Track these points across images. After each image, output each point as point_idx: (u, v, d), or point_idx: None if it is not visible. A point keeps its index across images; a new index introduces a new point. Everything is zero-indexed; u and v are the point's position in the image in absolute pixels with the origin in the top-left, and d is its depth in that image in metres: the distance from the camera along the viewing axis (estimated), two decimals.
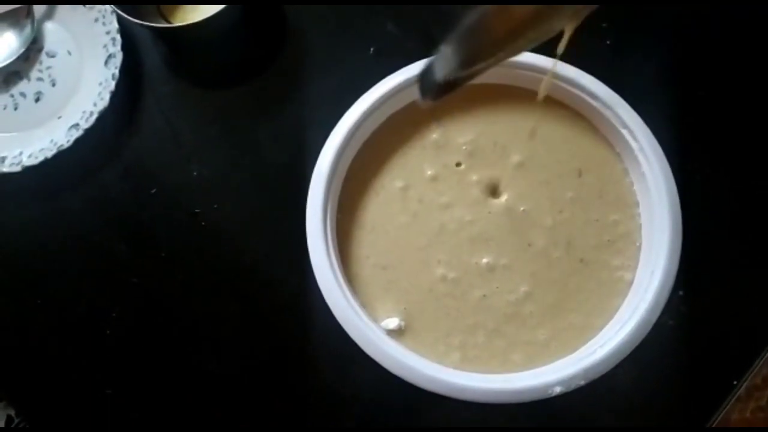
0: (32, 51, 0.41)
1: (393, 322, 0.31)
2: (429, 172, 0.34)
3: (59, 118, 0.40)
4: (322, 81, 0.39)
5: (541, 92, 0.28)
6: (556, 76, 0.33)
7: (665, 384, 0.34)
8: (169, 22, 0.40)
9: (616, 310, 0.32)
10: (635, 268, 0.32)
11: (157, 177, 0.39)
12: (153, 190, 0.38)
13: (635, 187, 0.33)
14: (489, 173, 0.33)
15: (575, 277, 0.32)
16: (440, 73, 0.21)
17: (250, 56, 0.41)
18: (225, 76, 0.40)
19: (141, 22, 0.36)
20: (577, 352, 0.31)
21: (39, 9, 0.41)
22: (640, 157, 0.32)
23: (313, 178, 0.32)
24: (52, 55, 0.41)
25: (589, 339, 0.31)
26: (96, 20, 0.40)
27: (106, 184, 0.39)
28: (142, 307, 0.37)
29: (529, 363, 0.31)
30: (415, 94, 0.24)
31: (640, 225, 0.33)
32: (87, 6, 0.40)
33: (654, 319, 0.30)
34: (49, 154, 0.37)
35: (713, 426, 0.34)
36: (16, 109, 0.40)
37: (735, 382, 0.34)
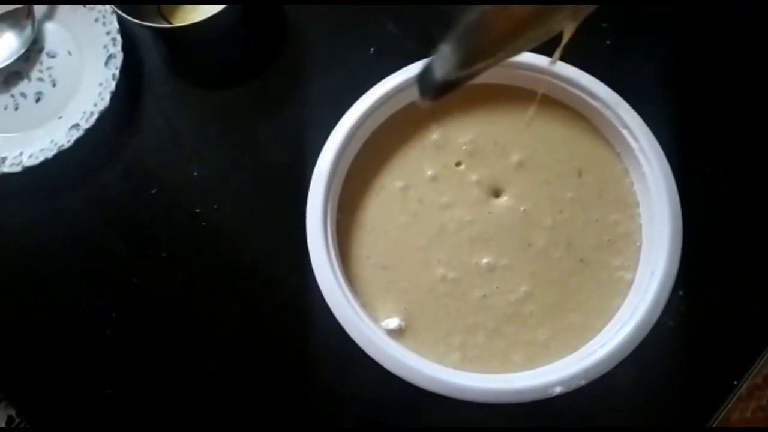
0: (33, 51, 0.41)
1: (393, 322, 0.31)
2: (429, 172, 0.34)
3: (60, 118, 0.40)
4: (322, 81, 0.39)
5: (554, 59, 0.27)
6: (556, 75, 0.33)
7: (666, 384, 0.34)
8: (170, 23, 0.40)
9: (617, 310, 0.32)
10: (635, 268, 0.32)
11: (157, 177, 0.39)
12: (153, 190, 0.38)
13: (635, 187, 0.33)
14: (489, 173, 0.33)
15: (575, 277, 0.32)
16: (439, 73, 0.21)
17: (250, 56, 0.41)
18: (225, 76, 0.40)
19: (141, 22, 0.36)
20: (578, 352, 0.31)
21: (39, 9, 0.41)
22: (641, 157, 0.32)
23: (314, 178, 0.32)
24: (52, 56, 0.41)
25: (590, 339, 0.31)
26: (96, 20, 0.40)
27: (107, 184, 0.39)
28: (142, 307, 0.37)
29: (529, 363, 0.31)
30: (415, 94, 0.24)
31: (640, 225, 0.33)
32: (87, 6, 0.40)
33: (654, 319, 0.30)
34: (50, 154, 0.37)
35: (714, 426, 0.34)
36: (16, 109, 0.40)
37: (735, 382, 0.34)
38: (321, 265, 0.31)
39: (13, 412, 0.37)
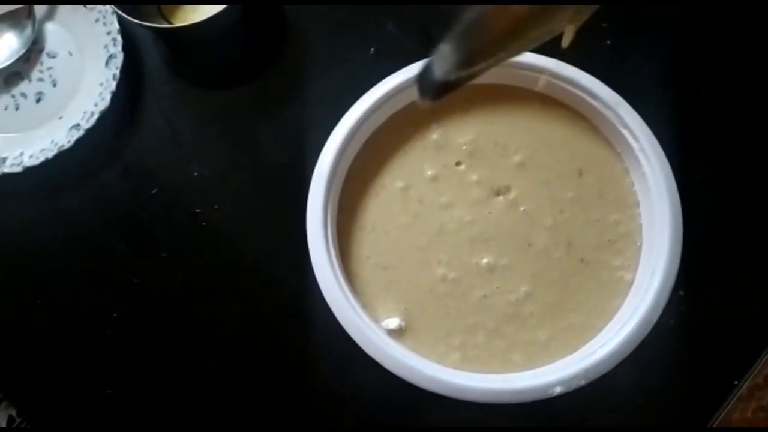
0: (33, 52, 0.41)
1: (393, 322, 0.31)
2: (429, 172, 0.34)
3: (60, 118, 0.40)
4: (323, 81, 0.39)
5: (566, 40, 0.26)
6: (557, 75, 0.33)
7: (666, 384, 0.34)
8: (170, 23, 0.40)
9: (617, 310, 0.32)
10: (636, 268, 0.32)
11: (157, 177, 0.39)
12: (153, 191, 0.38)
13: (636, 187, 0.33)
14: (489, 173, 0.33)
15: (576, 277, 0.32)
16: (439, 72, 0.21)
17: (250, 56, 0.41)
18: (225, 76, 0.40)
19: (141, 22, 0.36)
20: (578, 352, 0.31)
21: (40, 10, 0.41)
22: (641, 157, 0.32)
23: (314, 179, 0.32)
24: (53, 56, 0.41)
25: (590, 339, 0.31)
26: (97, 21, 0.40)
27: (107, 184, 0.39)
28: (143, 307, 0.37)
29: (530, 363, 0.31)
30: (415, 94, 0.24)
31: (641, 225, 0.33)
32: (88, 7, 0.40)
33: (654, 319, 0.30)
34: (50, 154, 0.37)
35: (714, 426, 0.34)
36: (17, 109, 0.40)
37: (736, 382, 0.34)
38: (321, 265, 0.31)
39: (13, 412, 0.37)
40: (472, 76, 0.22)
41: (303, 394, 0.35)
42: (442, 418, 0.34)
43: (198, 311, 0.37)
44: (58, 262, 0.38)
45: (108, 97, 0.38)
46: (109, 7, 0.39)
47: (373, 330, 0.30)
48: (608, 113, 0.33)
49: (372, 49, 0.40)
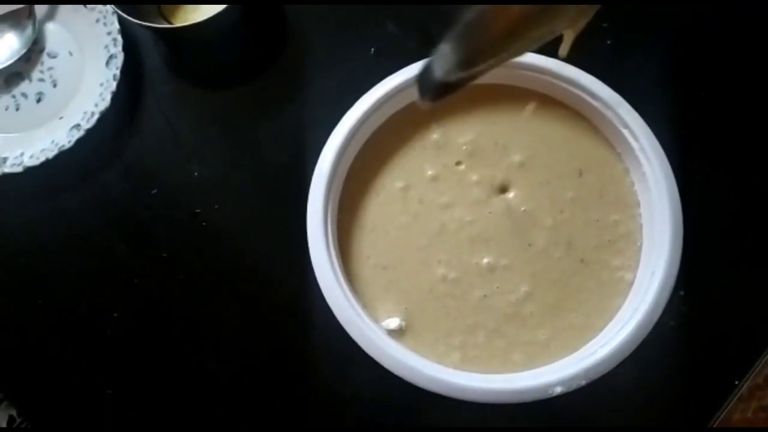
0: (34, 52, 0.41)
1: (393, 322, 0.31)
2: (429, 172, 0.34)
3: (60, 118, 0.40)
4: (323, 81, 0.39)
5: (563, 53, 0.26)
6: (557, 75, 0.33)
7: (666, 384, 0.34)
8: (170, 23, 0.40)
9: (617, 310, 0.32)
10: (636, 268, 0.32)
11: (157, 177, 0.39)
12: (154, 191, 0.38)
13: (636, 187, 0.33)
14: (489, 173, 0.33)
15: (576, 277, 0.32)
16: (439, 72, 0.21)
17: (250, 56, 0.41)
18: (225, 76, 0.41)
19: (142, 22, 0.36)
20: (578, 352, 0.31)
21: (40, 10, 0.41)
22: (641, 157, 0.32)
23: (314, 179, 0.32)
24: (53, 56, 0.41)
25: (590, 339, 0.31)
26: (97, 21, 0.40)
27: (107, 184, 0.39)
28: (143, 307, 0.37)
29: (530, 363, 0.31)
30: (415, 94, 0.23)
31: (641, 225, 0.33)
32: (88, 7, 0.40)
33: (655, 319, 0.30)
34: (51, 154, 0.37)
35: (714, 426, 0.34)
36: (17, 109, 0.40)
37: (736, 382, 0.34)
38: (321, 265, 0.31)
39: (14, 412, 0.37)
40: (473, 77, 0.22)
41: (303, 394, 0.35)
42: (442, 418, 0.34)
43: (198, 311, 0.37)
44: (58, 262, 0.38)
45: (108, 97, 0.38)
46: (109, 8, 0.39)
47: (373, 330, 0.30)
48: (608, 113, 0.33)
49: (372, 49, 0.40)
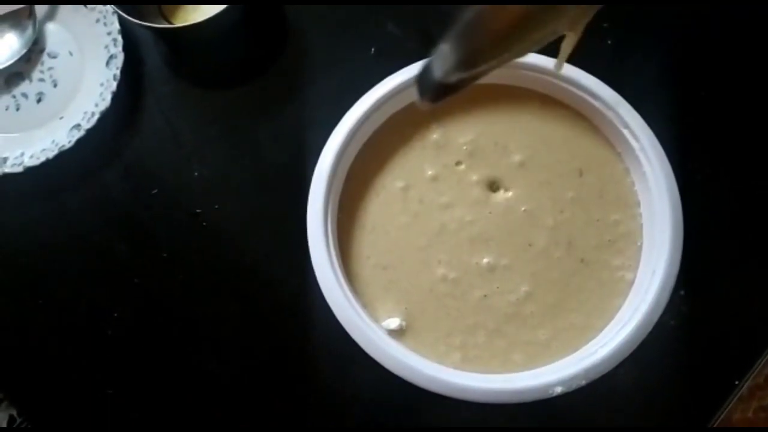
0: (34, 52, 0.41)
1: (394, 322, 0.31)
2: (429, 172, 0.34)
3: (61, 118, 0.40)
4: (323, 81, 0.39)
5: (558, 65, 0.26)
6: (557, 76, 0.33)
7: (666, 384, 0.34)
8: (170, 23, 0.40)
9: (617, 310, 0.32)
10: (636, 267, 0.32)
11: (157, 177, 0.39)
12: (154, 191, 0.38)
13: (636, 187, 0.33)
14: (489, 173, 0.33)
15: (576, 277, 0.32)
16: (438, 72, 0.21)
17: (250, 56, 0.41)
18: (225, 76, 0.41)
19: (142, 22, 0.36)
20: (578, 352, 0.31)
21: (40, 10, 0.41)
22: (641, 157, 0.32)
23: (314, 179, 0.32)
24: (53, 56, 0.41)
25: (590, 339, 0.31)
26: (97, 21, 0.40)
27: (107, 184, 0.39)
28: (143, 307, 0.37)
29: (530, 363, 0.31)
30: (415, 94, 0.23)
31: (641, 225, 0.33)
32: (88, 7, 0.40)
33: (655, 319, 0.30)
34: (51, 154, 0.37)
35: (715, 426, 0.34)
36: (18, 109, 0.40)
37: (737, 382, 0.34)
38: (321, 265, 0.31)
39: (14, 412, 0.37)
40: (473, 78, 0.21)
41: (303, 394, 0.35)
42: (442, 418, 0.34)
43: (198, 311, 0.37)
44: (58, 262, 0.38)
45: (108, 97, 0.38)
46: (109, 8, 0.39)
47: (373, 330, 0.30)
48: (609, 113, 0.33)
49: (372, 49, 0.40)
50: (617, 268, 0.32)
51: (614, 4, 0.39)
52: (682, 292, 0.34)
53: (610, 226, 0.33)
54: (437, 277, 0.32)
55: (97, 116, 0.37)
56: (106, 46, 0.39)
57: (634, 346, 0.29)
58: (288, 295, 0.36)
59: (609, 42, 0.39)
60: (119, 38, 0.39)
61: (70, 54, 0.41)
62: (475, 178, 0.33)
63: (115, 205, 0.38)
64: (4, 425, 0.36)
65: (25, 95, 0.41)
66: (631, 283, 0.32)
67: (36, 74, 0.41)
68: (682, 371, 0.34)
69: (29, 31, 0.40)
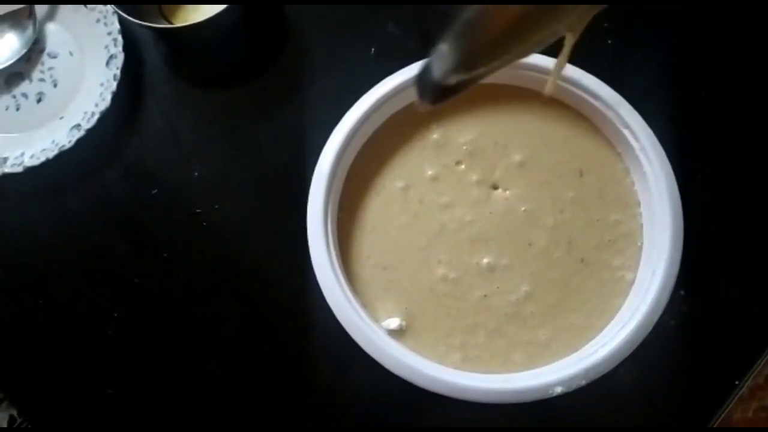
0: (34, 52, 0.41)
1: (394, 322, 0.31)
2: (429, 172, 0.34)
3: (61, 118, 0.40)
4: (323, 81, 0.39)
5: (548, 89, 0.27)
6: (559, 77, 0.33)
7: (667, 384, 0.34)
8: (170, 23, 0.40)
9: (617, 310, 0.32)
10: (636, 267, 0.32)
11: (157, 177, 0.39)
12: (154, 191, 0.38)
13: (636, 187, 0.33)
14: (489, 173, 0.33)
15: (576, 277, 0.32)
16: (437, 73, 0.21)
17: (250, 56, 0.41)
18: (225, 76, 0.41)
19: (142, 22, 0.36)
20: (578, 352, 0.31)
21: (41, 10, 0.41)
22: (642, 157, 0.32)
23: (314, 179, 0.32)
24: (53, 56, 0.41)
25: (590, 339, 0.31)
26: (97, 21, 0.40)
27: (107, 184, 0.39)
28: (143, 307, 0.37)
29: (530, 363, 0.31)
30: (415, 95, 0.23)
31: (641, 225, 0.33)
32: (88, 7, 0.40)
33: (655, 319, 0.30)
34: (51, 154, 0.37)
35: (715, 426, 0.34)
36: (18, 109, 0.40)
37: (737, 382, 0.34)
38: (321, 265, 0.31)
39: (14, 412, 0.37)
40: (473, 81, 0.21)
41: (303, 394, 0.35)
42: (442, 418, 0.34)
43: (198, 311, 0.37)
44: (58, 262, 0.38)
45: (108, 97, 0.38)
46: (109, 8, 0.39)
47: (373, 330, 0.30)
48: (609, 113, 0.33)
49: (372, 49, 0.40)
50: (617, 268, 0.32)
51: (614, 4, 0.39)
52: (682, 292, 0.34)
53: (610, 226, 0.33)
54: (437, 277, 0.32)
55: (97, 116, 0.37)
56: (106, 46, 0.39)
57: (634, 346, 0.29)
58: (288, 295, 0.36)
59: (609, 42, 0.39)
60: (119, 38, 0.39)
61: (70, 54, 0.41)
62: (475, 178, 0.33)
63: (115, 205, 0.38)
64: (4, 425, 0.36)
65: (25, 95, 0.41)
66: (631, 283, 0.32)
67: (36, 74, 0.41)
68: (682, 371, 0.34)
69: (29, 31, 0.40)
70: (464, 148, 0.34)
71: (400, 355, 0.30)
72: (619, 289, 0.32)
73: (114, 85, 0.38)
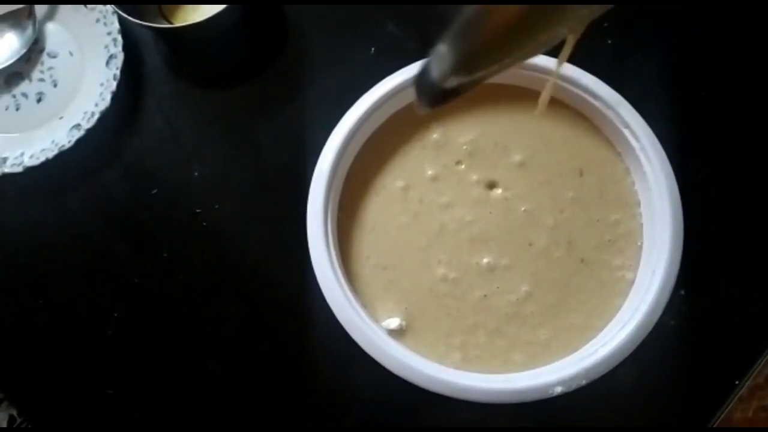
0: (34, 52, 0.41)
1: (394, 322, 0.31)
2: (429, 172, 0.34)
3: (61, 118, 0.40)
4: (323, 81, 0.39)
5: (542, 102, 0.27)
6: (558, 78, 0.33)
7: (667, 384, 0.34)
8: (170, 23, 0.40)
9: (617, 309, 0.32)
10: (636, 267, 0.32)
11: (157, 177, 0.39)
12: (154, 191, 0.38)
13: (636, 187, 0.33)
14: (489, 173, 0.33)
15: (576, 276, 0.32)
16: (436, 73, 0.20)
17: (250, 56, 0.41)
18: (225, 76, 0.41)
19: (142, 22, 0.36)
20: (578, 352, 0.31)
21: (40, 10, 0.41)
22: (642, 157, 0.32)
23: (314, 178, 0.32)
24: (53, 56, 0.41)
25: (590, 339, 0.31)
26: (97, 21, 0.40)
27: (107, 184, 0.39)
28: (143, 307, 0.37)
29: (530, 363, 0.31)
30: (413, 97, 0.23)
31: (642, 225, 0.33)
32: (88, 7, 0.40)
33: (655, 319, 0.30)
34: (51, 154, 0.37)
35: (715, 426, 0.34)
36: (17, 109, 0.40)
37: (737, 382, 0.34)
38: (321, 265, 0.31)
39: (14, 412, 0.37)
40: (473, 84, 0.21)
41: (303, 394, 0.35)
42: (442, 418, 0.34)
43: (198, 311, 0.37)
44: (58, 262, 0.38)
45: (108, 97, 0.38)
46: (109, 7, 0.39)
47: (373, 330, 0.30)
48: (609, 113, 0.33)
49: (372, 49, 0.40)
50: (617, 268, 0.32)
51: (614, 3, 0.39)
52: (682, 292, 0.34)
53: (610, 226, 0.33)
54: (437, 277, 0.32)
55: (97, 116, 0.37)
56: (106, 46, 0.39)
57: (634, 346, 0.29)
58: (288, 295, 0.36)
59: (609, 42, 0.39)
60: (119, 38, 0.39)
61: (70, 54, 0.41)
62: (475, 177, 0.33)
63: (115, 205, 0.38)
64: (4, 425, 0.36)
65: (25, 95, 0.41)
66: (631, 283, 0.32)
67: (36, 74, 0.41)
68: (682, 371, 0.34)
69: (29, 31, 0.40)
70: (464, 148, 0.34)
71: (400, 355, 0.30)
72: (619, 289, 0.32)
73: (114, 85, 0.38)
